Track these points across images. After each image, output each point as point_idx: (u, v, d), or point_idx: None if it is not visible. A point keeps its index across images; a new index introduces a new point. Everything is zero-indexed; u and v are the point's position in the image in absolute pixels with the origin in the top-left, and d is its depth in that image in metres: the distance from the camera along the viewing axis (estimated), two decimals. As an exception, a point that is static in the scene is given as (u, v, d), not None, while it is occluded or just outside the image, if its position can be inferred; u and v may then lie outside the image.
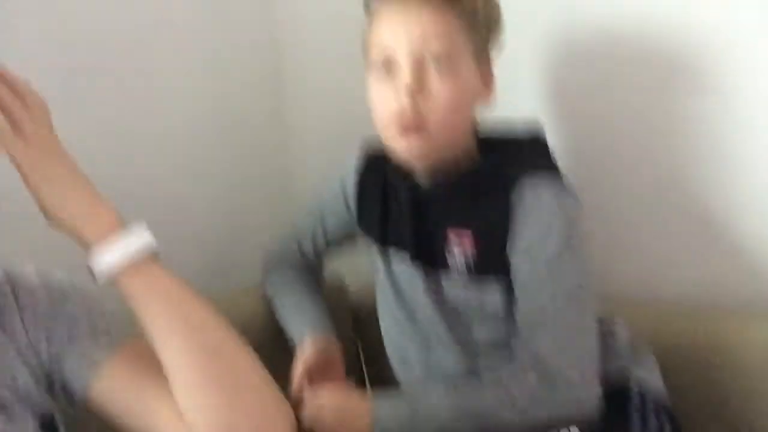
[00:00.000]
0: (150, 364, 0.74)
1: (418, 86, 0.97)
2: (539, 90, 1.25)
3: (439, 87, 0.98)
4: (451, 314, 1.06)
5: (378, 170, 1.12)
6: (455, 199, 1.04)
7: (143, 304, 0.71)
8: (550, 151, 1.06)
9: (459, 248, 1.03)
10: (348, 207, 1.18)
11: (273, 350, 1.01)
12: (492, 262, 1.01)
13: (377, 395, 1.05)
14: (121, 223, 0.71)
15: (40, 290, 0.77)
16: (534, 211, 0.98)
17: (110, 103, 1.21)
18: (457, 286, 1.04)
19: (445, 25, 0.99)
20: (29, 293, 0.76)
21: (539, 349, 0.96)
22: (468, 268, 1.03)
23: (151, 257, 0.71)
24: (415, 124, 0.98)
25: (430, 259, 1.06)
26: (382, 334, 1.16)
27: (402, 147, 1.01)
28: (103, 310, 0.79)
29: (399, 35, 0.99)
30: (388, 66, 1.00)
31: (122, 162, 1.22)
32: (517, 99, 1.15)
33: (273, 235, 1.30)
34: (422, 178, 1.05)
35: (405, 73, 0.98)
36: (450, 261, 1.04)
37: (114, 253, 0.69)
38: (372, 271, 1.17)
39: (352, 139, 1.19)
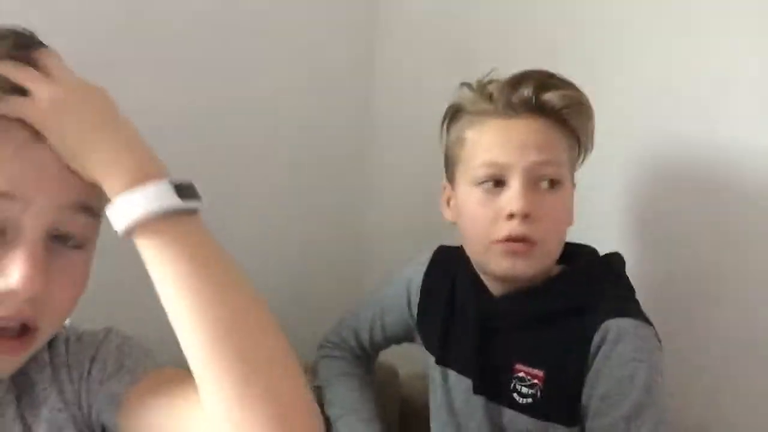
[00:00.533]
0: (178, 384, 0.67)
1: (533, 210, 0.94)
2: (619, 214, 1.19)
3: (549, 210, 0.95)
4: None
5: (446, 279, 1.08)
6: (527, 329, 0.99)
7: (153, 267, 0.62)
8: (629, 282, 1.01)
9: (526, 386, 0.98)
10: (410, 308, 1.14)
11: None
12: (561, 405, 0.95)
13: None
14: (147, 175, 0.62)
15: (76, 343, 0.75)
16: (617, 359, 0.92)
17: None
18: (519, 422, 0.99)
19: (557, 146, 0.96)
20: (73, 346, 0.75)
21: None
22: (534, 407, 0.97)
23: (179, 216, 0.62)
24: (528, 248, 0.94)
25: (493, 390, 1.01)
26: None
27: (504, 267, 0.96)
28: (131, 349, 0.76)
29: (512, 152, 0.95)
30: (494, 183, 0.96)
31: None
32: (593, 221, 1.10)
33: (336, 312, 1.27)
34: (494, 291, 1.01)
35: (517, 197, 0.94)
36: (515, 397, 0.99)
37: (127, 208, 0.61)
38: (425, 368, 1.13)
39: (430, 234, 1.15)
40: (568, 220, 1.00)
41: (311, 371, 1.21)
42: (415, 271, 1.13)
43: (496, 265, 0.97)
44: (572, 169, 1.00)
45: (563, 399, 0.95)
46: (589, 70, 1.06)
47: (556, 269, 1.01)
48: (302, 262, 1.45)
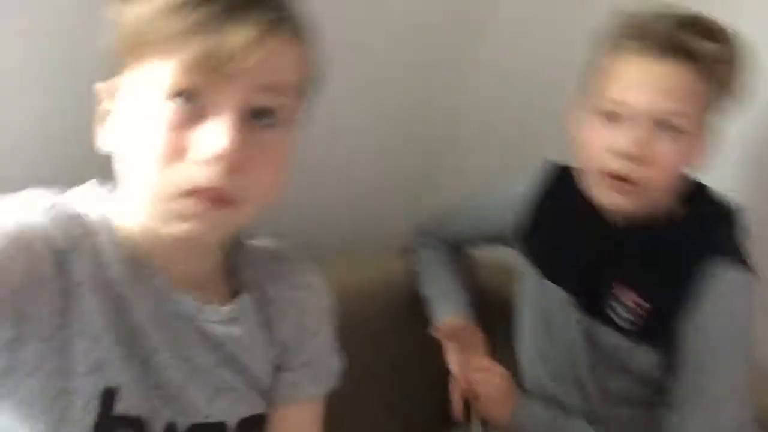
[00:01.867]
0: None
1: (645, 155, 0.94)
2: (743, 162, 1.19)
3: (662, 154, 0.95)
4: (596, 358, 1.08)
5: (565, 198, 1.10)
6: (640, 262, 1.03)
7: None
8: (746, 233, 1.03)
9: (624, 307, 1.03)
10: (517, 220, 1.16)
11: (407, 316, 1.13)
12: (655, 328, 1.01)
13: (529, 396, 1.13)
14: None
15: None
16: (719, 295, 0.97)
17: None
18: (612, 337, 1.05)
19: (696, 92, 0.94)
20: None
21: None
22: (631, 331, 1.03)
23: None
24: (630, 188, 0.96)
25: (591, 305, 1.06)
26: (519, 345, 1.20)
27: (608, 200, 0.99)
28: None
29: (640, 95, 0.94)
30: (614, 117, 0.96)
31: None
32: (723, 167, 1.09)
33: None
34: (615, 218, 1.03)
35: (633, 137, 0.94)
36: (611, 315, 1.04)
37: None
38: (518, 274, 1.18)
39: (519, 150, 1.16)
40: (685, 165, 0.99)
41: (408, 252, 1.30)
42: (526, 183, 1.15)
43: (600, 194, 0.99)
44: (710, 119, 0.97)
45: (662, 330, 1.01)
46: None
47: (680, 211, 1.02)
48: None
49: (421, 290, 1.26)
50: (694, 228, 1.02)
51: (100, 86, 0.71)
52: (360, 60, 1.27)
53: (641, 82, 0.94)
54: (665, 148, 0.94)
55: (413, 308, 1.27)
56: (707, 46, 0.92)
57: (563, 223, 1.10)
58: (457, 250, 1.30)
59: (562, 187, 1.11)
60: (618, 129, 0.96)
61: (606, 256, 1.05)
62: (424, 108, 1.48)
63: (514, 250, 1.18)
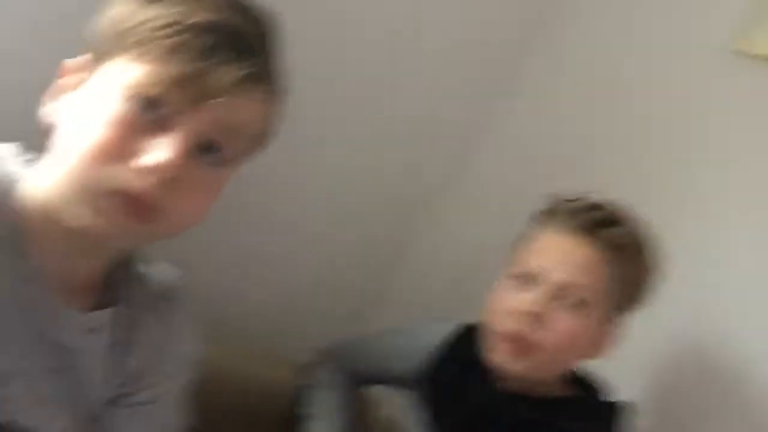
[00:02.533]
0: None
1: (543, 318, 0.98)
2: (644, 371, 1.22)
3: (559, 322, 0.99)
4: None
5: (466, 355, 1.11)
6: (516, 420, 1.03)
7: None
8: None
9: None
10: (420, 366, 1.16)
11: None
12: None
13: None
14: None
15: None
16: None
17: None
18: None
19: (599, 272, 0.99)
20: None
21: None
22: None
23: None
24: (522, 348, 0.99)
25: None
26: None
27: (502, 361, 1.01)
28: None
29: (550, 262, 1.00)
30: (523, 282, 1.01)
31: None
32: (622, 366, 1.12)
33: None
34: (505, 382, 1.04)
35: (535, 298, 0.99)
36: None
37: None
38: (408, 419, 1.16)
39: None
40: (579, 346, 1.02)
41: (304, 369, 1.27)
42: (437, 335, 1.16)
43: (495, 354, 1.02)
44: (611, 306, 1.02)
45: None
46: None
47: (568, 392, 1.05)
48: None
49: (304, 408, 1.21)
50: (577, 412, 1.03)
51: (68, 62, 0.72)
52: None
53: (551, 253, 1.01)
54: (563, 317, 0.98)
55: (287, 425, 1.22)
56: (616, 232, 1.00)
57: (458, 379, 1.11)
58: (354, 381, 1.27)
59: (467, 344, 1.13)
60: (524, 293, 1.00)
61: (490, 418, 1.05)
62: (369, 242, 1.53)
63: (410, 395, 1.17)
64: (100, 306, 0.75)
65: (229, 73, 0.64)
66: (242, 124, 0.69)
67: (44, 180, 0.69)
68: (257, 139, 0.73)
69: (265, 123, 0.72)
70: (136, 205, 0.64)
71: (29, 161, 0.72)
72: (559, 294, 0.99)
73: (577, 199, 1.04)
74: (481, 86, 1.53)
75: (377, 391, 1.33)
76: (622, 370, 1.10)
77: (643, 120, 1.35)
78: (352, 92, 1.37)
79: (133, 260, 0.79)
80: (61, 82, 0.72)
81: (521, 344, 0.99)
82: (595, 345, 1.03)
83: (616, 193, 1.06)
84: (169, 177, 0.63)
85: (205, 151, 0.67)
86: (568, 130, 1.46)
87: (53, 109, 0.70)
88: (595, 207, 1.02)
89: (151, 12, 0.66)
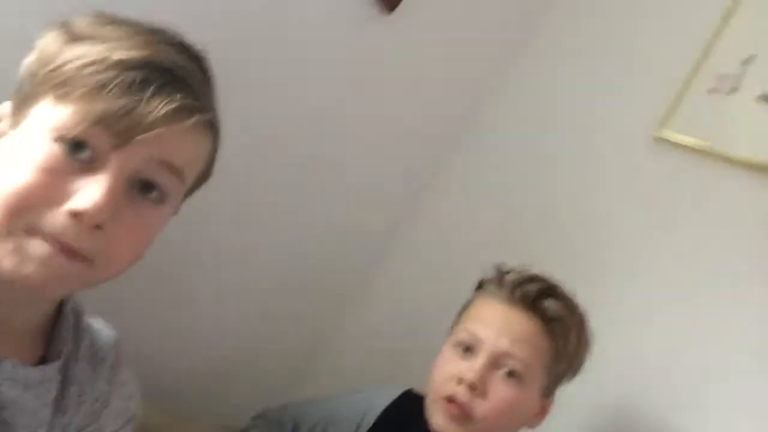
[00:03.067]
0: None
1: (481, 386, 1.01)
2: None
3: (496, 392, 1.01)
4: None
5: (403, 423, 1.13)
6: None
7: None
8: None
9: None
10: (355, 428, 1.17)
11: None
12: None
13: None
14: None
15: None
16: None
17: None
18: None
19: (536, 343, 1.03)
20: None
21: None
22: None
23: None
24: (461, 414, 1.01)
25: None
26: None
27: (438, 423, 1.03)
28: None
29: (491, 332, 1.03)
30: (466, 349, 1.04)
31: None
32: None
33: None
34: None
35: (475, 367, 1.01)
36: None
37: None
38: None
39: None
40: (515, 417, 1.04)
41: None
42: (378, 401, 1.18)
43: (434, 418, 1.04)
44: (548, 380, 1.05)
45: None
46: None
47: None
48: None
49: None
50: None
51: (3, 105, 0.70)
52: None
53: (491, 323, 1.04)
54: (499, 387, 1.01)
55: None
56: (554, 306, 1.04)
57: None
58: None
59: (409, 409, 1.14)
60: (464, 361, 1.03)
61: None
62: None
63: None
64: (37, 358, 0.71)
65: (158, 107, 0.62)
66: (176, 157, 0.66)
67: None
68: (195, 172, 0.71)
69: (201, 155, 0.70)
70: (66, 251, 0.61)
71: None
72: (498, 364, 1.02)
73: (518, 271, 1.08)
74: (418, 159, 1.58)
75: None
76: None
77: (571, 197, 1.42)
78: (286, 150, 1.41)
79: (77, 313, 0.76)
80: None
81: (461, 411, 1.01)
82: (533, 415, 1.06)
83: (547, 265, 1.11)
84: (99, 221, 0.61)
85: (140, 188, 0.65)
86: (501, 204, 1.52)
87: None
88: (535, 279, 1.06)
89: (76, 51, 0.64)
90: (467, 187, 1.59)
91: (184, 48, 0.69)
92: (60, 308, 0.74)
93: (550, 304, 1.04)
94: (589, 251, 1.35)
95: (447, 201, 1.60)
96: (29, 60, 0.67)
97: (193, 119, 0.66)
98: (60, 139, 0.63)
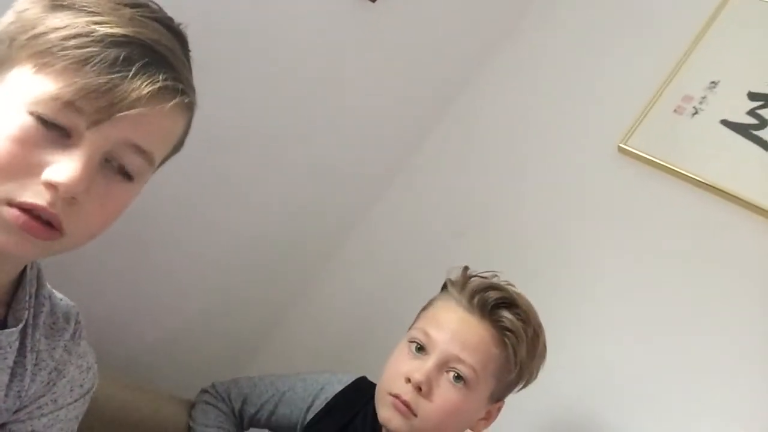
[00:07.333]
0: None
1: (427, 387, 1.03)
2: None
3: (441, 394, 1.03)
4: None
5: (352, 409, 1.15)
6: None
7: None
8: None
9: None
10: (307, 413, 1.18)
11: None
12: None
13: None
14: None
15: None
16: None
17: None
18: None
19: (487, 351, 1.04)
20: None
21: None
22: None
23: None
24: (408, 412, 1.02)
25: None
26: None
27: (383, 416, 1.05)
28: None
29: (444, 335, 1.04)
30: (419, 349, 1.06)
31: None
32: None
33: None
34: None
35: (425, 368, 1.03)
36: None
37: None
38: None
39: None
40: (460, 420, 1.06)
41: (192, 407, 1.25)
42: (331, 385, 1.20)
43: (380, 411, 1.06)
44: (496, 384, 1.07)
45: None
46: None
47: None
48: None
49: None
50: None
51: None
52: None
53: (447, 325, 1.06)
54: (445, 390, 1.03)
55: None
56: (509, 317, 1.05)
57: (344, 429, 1.14)
58: (238, 425, 1.25)
59: (360, 397, 1.16)
60: (417, 360, 1.05)
61: None
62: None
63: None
64: (1, 326, 0.71)
65: (141, 86, 0.62)
66: (149, 140, 0.66)
67: None
68: (166, 152, 0.71)
69: (175, 135, 0.71)
70: (38, 220, 0.62)
71: None
72: (447, 367, 1.03)
73: (482, 278, 1.09)
74: (389, 147, 1.60)
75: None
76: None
77: (537, 203, 1.46)
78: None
79: (39, 281, 0.77)
80: None
81: (406, 408, 1.03)
82: (478, 420, 1.08)
83: (503, 267, 1.12)
84: (74, 193, 0.62)
85: (113, 164, 0.65)
86: (465, 204, 1.55)
87: None
88: (495, 288, 1.07)
89: (60, 20, 0.63)
90: (432, 184, 1.61)
91: (166, 24, 0.69)
92: (21, 275, 0.74)
93: (505, 314, 1.05)
94: (549, 254, 1.39)
95: (411, 195, 1.62)
96: (7, 21, 0.66)
97: (175, 101, 0.66)
98: (39, 111, 0.62)
